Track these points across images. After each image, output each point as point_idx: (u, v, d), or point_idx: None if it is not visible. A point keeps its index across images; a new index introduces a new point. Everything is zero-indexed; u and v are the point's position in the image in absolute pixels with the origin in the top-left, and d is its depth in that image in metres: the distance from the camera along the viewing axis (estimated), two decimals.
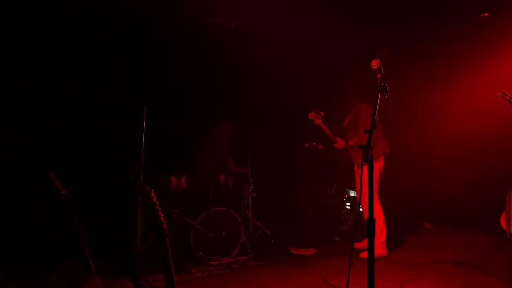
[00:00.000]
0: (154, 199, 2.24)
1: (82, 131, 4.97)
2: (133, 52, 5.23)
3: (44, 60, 4.78)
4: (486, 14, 5.63)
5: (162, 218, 2.21)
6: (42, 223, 4.40)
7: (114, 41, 5.09)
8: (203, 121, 5.69)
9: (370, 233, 2.37)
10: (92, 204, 4.27)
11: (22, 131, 4.66)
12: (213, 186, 5.21)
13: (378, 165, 4.81)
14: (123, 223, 4.14)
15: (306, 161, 6.49)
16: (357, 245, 4.98)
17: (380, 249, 4.64)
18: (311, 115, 4.97)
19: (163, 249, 2.22)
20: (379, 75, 2.68)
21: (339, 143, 5.05)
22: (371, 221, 2.35)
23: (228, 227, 4.79)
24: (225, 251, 4.72)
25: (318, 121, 4.97)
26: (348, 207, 6.18)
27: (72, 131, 4.91)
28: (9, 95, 4.63)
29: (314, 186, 6.54)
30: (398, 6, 5.37)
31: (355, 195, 5.99)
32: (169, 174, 4.97)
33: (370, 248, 2.34)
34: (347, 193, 6.25)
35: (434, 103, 6.36)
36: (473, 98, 5.83)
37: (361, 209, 4.97)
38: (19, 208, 4.44)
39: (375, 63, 2.70)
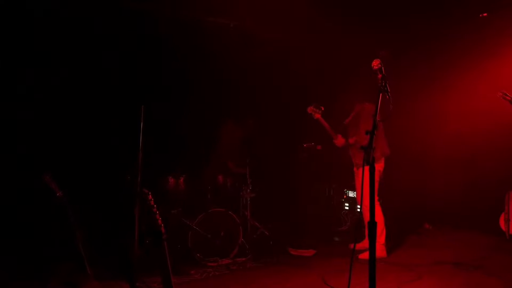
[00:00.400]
0: (152, 202, 2.22)
1: (80, 131, 4.95)
2: (133, 52, 5.20)
3: (43, 60, 4.75)
4: (485, 14, 5.63)
5: (159, 221, 2.19)
6: (40, 224, 4.37)
7: (114, 41, 5.07)
8: (202, 121, 5.67)
9: (371, 236, 2.34)
10: (89, 206, 4.24)
11: (19, 131, 4.63)
12: (211, 186, 5.18)
13: (378, 166, 4.75)
14: (120, 224, 4.11)
15: (305, 161, 6.47)
16: (357, 246, 4.95)
17: (379, 250, 4.60)
18: (310, 109, 4.76)
19: (160, 252, 2.20)
20: (380, 75, 2.65)
21: (339, 140, 4.92)
22: (373, 224, 2.33)
23: (227, 228, 4.76)
24: (223, 252, 4.69)
25: (318, 116, 4.75)
26: (347, 208, 6.17)
27: (70, 131, 4.88)
28: (7, 95, 4.61)
29: (313, 186, 6.52)
30: (398, 6, 5.36)
31: (354, 196, 5.97)
32: (167, 174, 4.95)
33: (372, 250, 2.32)
34: (346, 193, 6.24)
35: (434, 103, 6.35)
36: (473, 98, 5.82)
37: (359, 210, 4.93)
38: (17, 209, 4.42)
39: (375, 63, 2.68)
